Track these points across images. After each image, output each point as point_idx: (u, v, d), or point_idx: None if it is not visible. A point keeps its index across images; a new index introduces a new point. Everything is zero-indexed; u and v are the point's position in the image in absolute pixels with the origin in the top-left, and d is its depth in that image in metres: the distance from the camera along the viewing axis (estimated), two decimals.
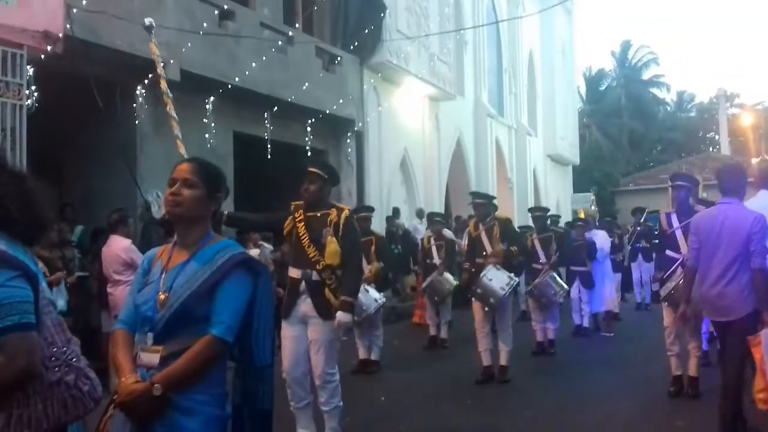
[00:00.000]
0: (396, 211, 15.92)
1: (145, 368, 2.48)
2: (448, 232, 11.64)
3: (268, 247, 10.46)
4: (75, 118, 9.87)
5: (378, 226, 12.34)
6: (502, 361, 7.83)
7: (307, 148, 13.47)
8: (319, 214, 5.06)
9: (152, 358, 2.48)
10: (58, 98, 8.52)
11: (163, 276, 2.57)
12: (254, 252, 9.68)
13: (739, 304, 4.77)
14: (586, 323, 11.28)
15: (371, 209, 9.42)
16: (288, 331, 5.07)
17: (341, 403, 5.17)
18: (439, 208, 18.09)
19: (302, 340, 5.04)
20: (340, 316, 4.94)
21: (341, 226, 5.02)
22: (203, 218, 2.61)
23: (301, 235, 5.05)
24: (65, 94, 8.67)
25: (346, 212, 5.11)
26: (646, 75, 45.41)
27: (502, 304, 7.68)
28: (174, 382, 2.40)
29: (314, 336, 5.00)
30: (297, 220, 5.10)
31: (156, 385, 2.39)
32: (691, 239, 5.15)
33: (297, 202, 5.18)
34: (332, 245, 4.97)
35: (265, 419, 2.61)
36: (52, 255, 7.93)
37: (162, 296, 2.51)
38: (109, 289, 7.46)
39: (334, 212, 5.07)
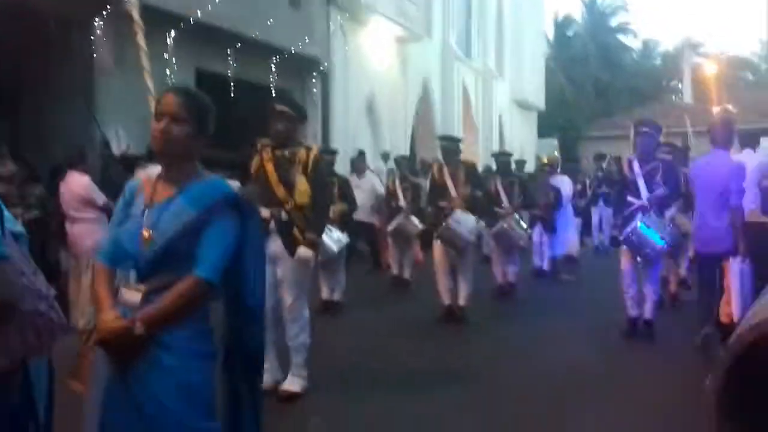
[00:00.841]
0: (361, 154, 15.80)
1: (126, 306, 2.46)
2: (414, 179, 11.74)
3: (234, 183, 10.37)
4: (31, 53, 9.64)
5: (343, 169, 12.25)
6: (462, 301, 7.92)
7: (272, 87, 13.29)
8: (287, 153, 5.05)
9: (134, 296, 2.46)
10: (13, 34, 8.26)
11: (146, 211, 2.51)
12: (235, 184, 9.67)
13: (724, 238, 5.87)
14: (546, 266, 11.47)
15: (334, 152, 9.38)
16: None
17: (309, 340, 5.22)
18: (405, 150, 18.08)
19: (270, 277, 4.98)
20: (302, 251, 4.99)
21: (310, 165, 5.03)
22: (191, 155, 2.55)
23: (269, 174, 5.03)
24: (20, 29, 8.41)
25: (314, 151, 5.12)
26: (614, 21, 45.44)
27: (465, 247, 7.76)
28: (156, 321, 2.38)
29: (284, 274, 5.02)
30: (265, 159, 5.07)
31: (137, 324, 2.37)
32: (693, 185, 6.33)
33: (264, 141, 5.15)
34: (302, 185, 4.98)
35: (256, 359, 2.63)
36: (8, 191, 7.75)
37: (146, 233, 2.46)
38: (67, 227, 7.39)
39: (303, 151, 5.07)
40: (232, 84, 12.29)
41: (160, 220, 2.47)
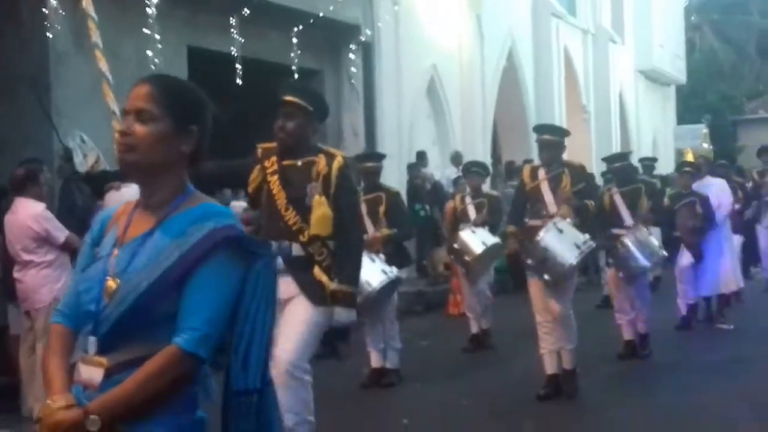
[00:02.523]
0: (421, 157, 15.97)
1: (84, 387, 2.48)
2: (490, 191, 11.93)
3: (240, 204, 10.46)
4: None
5: (396, 178, 12.34)
6: (566, 364, 7.99)
7: (294, 68, 13.41)
8: (300, 163, 5.13)
9: (93, 373, 2.47)
10: None
11: (115, 251, 2.55)
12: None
13: None
14: (685, 310, 11.40)
15: (380, 157, 9.51)
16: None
17: (312, 419, 5.19)
18: (484, 151, 18.12)
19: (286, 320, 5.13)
20: (339, 313, 5.07)
21: (333, 179, 5.08)
22: (171, 166, 2.57)
23: (275, 193, 5.12)
24: None
25: (339, 160, 5.16)
26: None
27: (568, 276, 7.81)
28: (118, 411, 2.38)
29: (291, 314, 5.09)
30: (269, 171, 5.16)
31: (92, 417, 2.36)
32: None
33: (266, 145, 5.26)
34: (321, 208, 5.02)
35: None
36: None
37: (111, 283, 2.48)
38: (16, 274, 7.36)
39: (321, 160, 5.12)
40: (238, 66, 12.49)
41: (130, 266, 2.48)
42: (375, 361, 8.71)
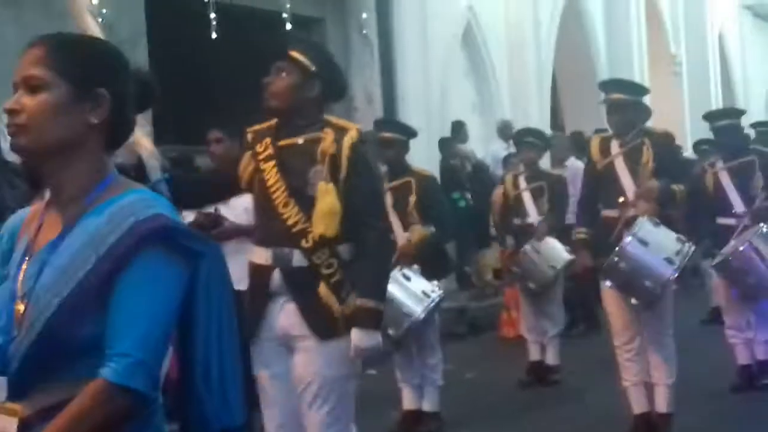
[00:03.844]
0: (458, 129, 15.96)
1: None
2: (551, 170, 12.03)
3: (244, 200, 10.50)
4: None
5: (424, 158, 12.29)
6: (661, 407, 7.96)
7: (285, 15, 13.33)
8: (301, 141, 5.16)
9: (5, 423, 2.50)
10: None
11: (24, 266, 2.59)
12: (189, 217, 9.80)
13: None
14: None
15: (406, 129, 9.32)
16: (262, 365, 5.20)
17: None
18: (540, 118, 18.11)
19: (288, 380, 5.16)
20: (357, 337, 5.02)
21: (344, 160, 5.09)
22: (79, 146, 2.60)
23: (270, 184, 5.15)
24: None
25: (352, 134, 5.17)
26: None
27: (662, 292, 7.75)
28: None
29: (305, 372, 5.11)
30: (261, 157, 5.20)
31: None
32: None
33: (258, 127, 5.31)
34: (326, 198, 5.03)
35: None
36: None
37: (20, 306, 2.53)
38: None
39: (329, 135, 5.14)
40: (213, 16, 12.46)
41: (38, 282, 2.52)
42: (408, 401, 8.68)
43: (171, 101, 10.41)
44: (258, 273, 5.17)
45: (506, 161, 13.91)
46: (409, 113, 14.48)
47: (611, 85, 8.39)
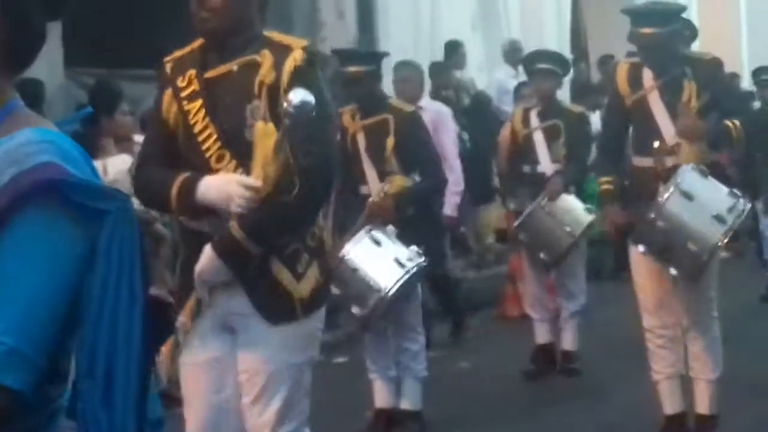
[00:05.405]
0: (453, 50, 15.89)
1: None
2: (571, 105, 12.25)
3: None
4: None
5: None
6: (702, 407, 8.23)
7: None
8: (235, 68, 5.23)
9: None
10: None
11: None
12: (119, 162, 9.75)
13: None
14: None
15: (373, 57, 9.63)
16: (195, 352, 5.31)
17: None
18: (558, 39, 18.20)
19: (226, 368, 5.35)
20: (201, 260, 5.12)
21: (284, 91, 5.07)
22: None
23: (196, 131, 5.25)
24: None
25: (296, 55, 5.21)
26: None
27: (710, 260, 7.95)
28: None
29: (249, 361, 5.31)
30: (185, 94, 5.28)
31: None
32: None
33: (178, 53, 5.41)
34: (267, 142, 5.10)
35: None
36: None
37: None
38: None
39: (266, 59, 5.21)
40: None
41: None
42: (382, 398, 8.91)
43: (88, 12, 10.32)
44: (193, 241, 5.31)
45: (517, 92, 13.87)
46: (392, 31, 14.56)
47: (639, 17, 8.36)
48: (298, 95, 4.89)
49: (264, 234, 5.14)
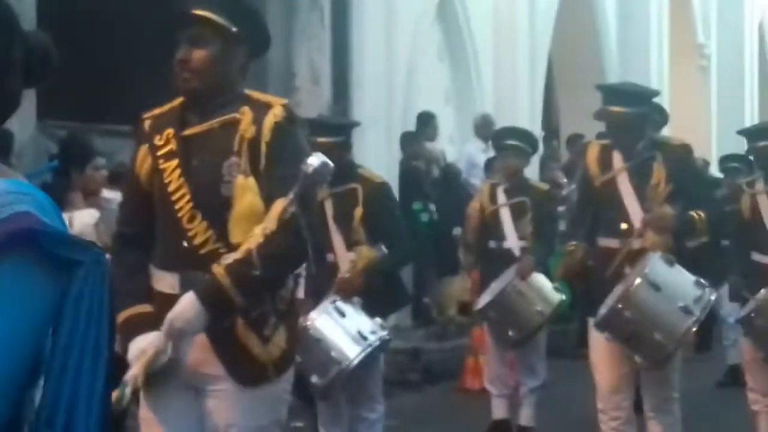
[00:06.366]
0: (426, 122, 16.06)
1: None
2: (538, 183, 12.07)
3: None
4: None
5: (382, 159, 12.19)
6: None
7: None
8: (216, 126, 5.17)
9: None
10: None
11: None
12: (86, 216, 9.69)
13: None
14: None
15: (343, 128, 9.49)
16: (157, 409, 5.22)
17: None
18: (531, 116, 18.26)
19: (189, 427, 5.24)
20: (180, 305, 4.98)
21: (263, 146, 5.12)
22: None
23: (171, 189, 5.16)
24: None
25: (276, 112, 5.19)
26: None
27: (676, 350, 7.95)
28: None
29: (218, 423, 5.18)
30: (161, 153, 5.21)
31: None
32: None
33: (158, 111, 5.33)
34: (247, 197, 5.07)
35: None
36: None
37: None
38: None
39: (246, 115, 5.15)
40: None
41: None
42: None
43: (63, 66, 10.36)
44: (164, 303, 5.10)
45: (488, 167, 13.87)
46: (365, 100, 14.54)
47: (611, 95, 8.40)
48: (319, 158, 4.95)
49: (250, 286, 5.02)
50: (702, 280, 7.70)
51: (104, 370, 2.57)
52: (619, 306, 7.53)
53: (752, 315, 9.10)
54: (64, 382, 2.53)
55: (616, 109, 8.01)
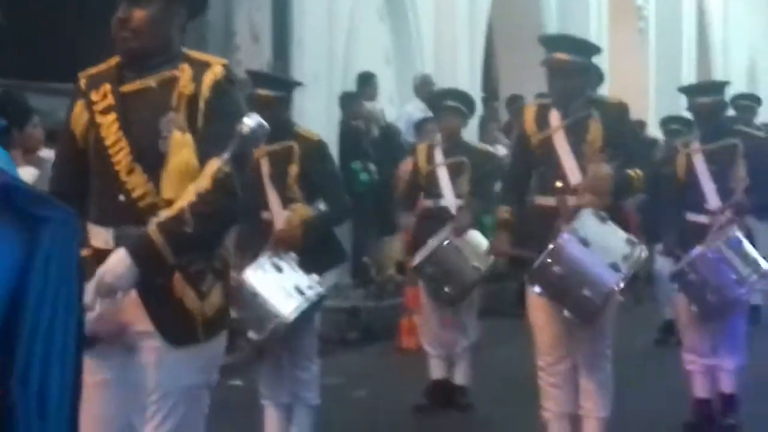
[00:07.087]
0: (366, 82, 16.15)
1: None
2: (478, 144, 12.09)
3: None
4: None
5: (321, 118, 12.16)
6: None
7: None
8: (153, 84, 5.16)
9: None
10: None
11: None
12: (26, 174, 9.68)
13: None
14: None
15: (286, 84, 9.54)
16: (92, 373, 5.03)
17: None
18: (471, 78, 18.37)
19: (122, 389, 5.20)
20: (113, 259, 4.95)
21: (202, 103, 5.11)
22: None
23: (108, 144, 5.15)
24: None
25: (216, 71, 5.20)
26: None
27: (604, 305, 7.86)
28: None
29: (146, 380, 5.17)
30: (99, 108, 5.19)
31: None
32: None
33: (94, 70, 5.32)
34: (182, 153, 5.06)
35: None
36: None
37: None
38: None
39: (185, 72, 5.16)
40: None
41: None
42: (273, 425, 8.69)
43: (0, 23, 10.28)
44: (99, 258, 5.05)
45: (422, 125, 13.87)
46: (306, 58, 14.57)
47: (555, 42, 8.50)
48: (255, 119, 4.94)
49: (182, 243, 5.01)
50: (633, 238, 7.78)
51: (76, 327, 2.59)
52: (548, 260, 7.58)
53: (685, 269, 9.19)
54: (36, 341, 2.53)
55: (561, 55, 8.04)
